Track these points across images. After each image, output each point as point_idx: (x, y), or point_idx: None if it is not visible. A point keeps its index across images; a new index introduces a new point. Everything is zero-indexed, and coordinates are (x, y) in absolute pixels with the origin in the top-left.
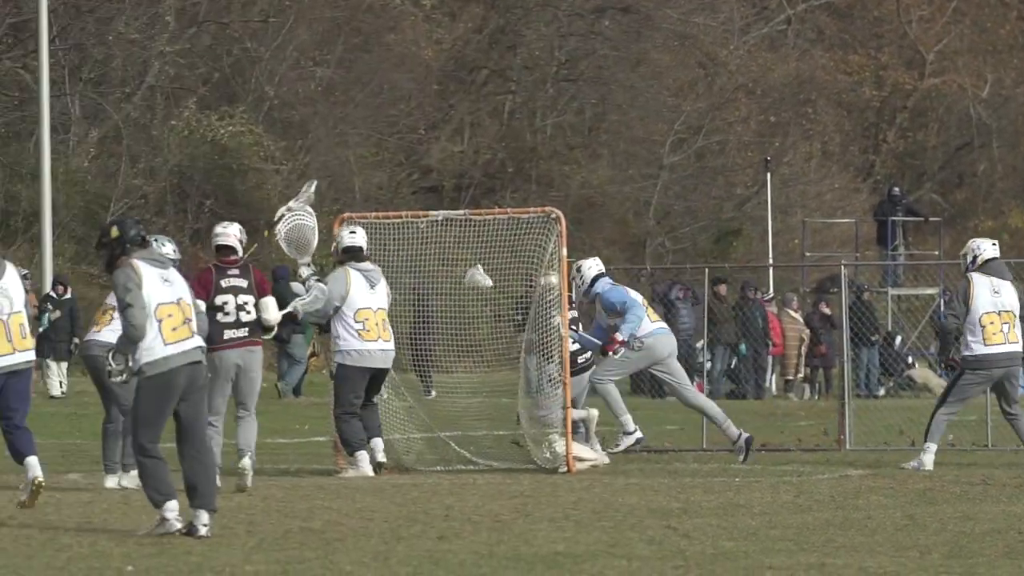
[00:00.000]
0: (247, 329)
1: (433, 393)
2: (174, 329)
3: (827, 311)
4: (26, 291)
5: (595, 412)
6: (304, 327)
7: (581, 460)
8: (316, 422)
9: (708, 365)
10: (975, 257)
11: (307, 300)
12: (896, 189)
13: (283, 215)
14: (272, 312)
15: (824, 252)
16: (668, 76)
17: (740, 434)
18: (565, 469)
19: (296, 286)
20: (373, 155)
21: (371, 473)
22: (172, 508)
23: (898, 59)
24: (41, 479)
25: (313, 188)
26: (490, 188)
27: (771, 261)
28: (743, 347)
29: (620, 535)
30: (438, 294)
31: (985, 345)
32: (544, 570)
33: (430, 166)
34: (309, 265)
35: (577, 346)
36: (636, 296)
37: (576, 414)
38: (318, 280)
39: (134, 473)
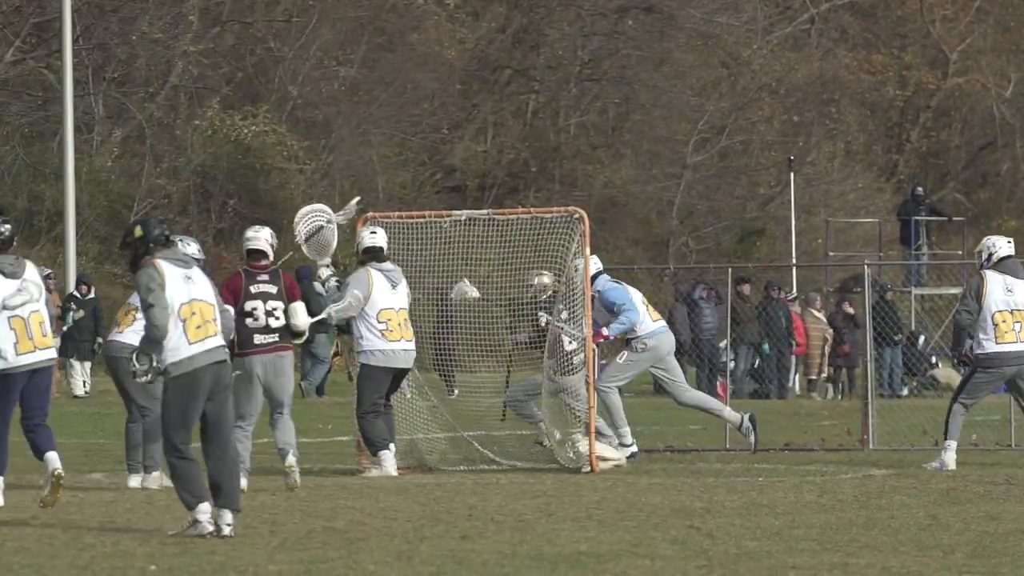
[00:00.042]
0: (277, 334)
1: (456, 392)
2: (198, 327)
3: (850, 311)
4: (49, 291)
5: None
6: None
7: (604, 460)
8: (339, 422)
9: (731, 365)
10: (990, 255)
11: (341, 306)
12: (919, 189)
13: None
14: (301, 318)
15: (847, 252)
16: (691, 76)
17: (742, 417)
18: (588, 469)
19: (316, 286)
20: (396, 155)
21: (395, 473)
22: (204, 510)
23: (921, 58)
24: (60, 470)
25: (356, 203)
26: (513, 188)
27: (794, 261)
28: (766, 347)
29: (643, 535)
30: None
31: (996, 343)
32: (567, 570)
33: (453, 166)
34: (329, 266)
35: (574, 345)
36: (636, 295)
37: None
38: (338, 281)
39: (156, 474)
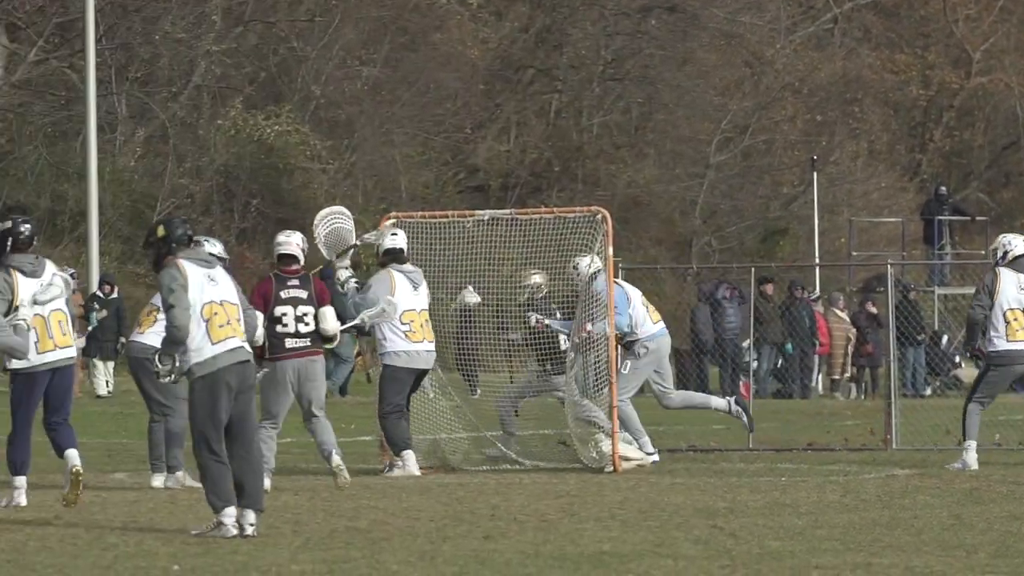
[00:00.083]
0: (308, 339)
1: (478, 392)
2: (220, 327)
3: (873, 310)
4: (73, 290)
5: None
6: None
7: (627, 460)
8: (362, 421)
9: (754, 364)
10: (1006, 252)
11: (374, 311)
12: (943, 188)
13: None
14: (331, 322)
15: (870, 251)
16: (714, 75)
17: (728, 402)
18: (611, 469)
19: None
20: (419, 154)
21: (417, 472)
22: (230, 514)
23: (945, 58)
24: (78, 467)
25: (390, 225)
26: (536, 187)
27: (817, 260)
28: (789, 346)
29: (666, 534)
30: (484, 293)
31: (1008, 341)
32: (590, 570)
33: (476, 165)
34: (347, 268)
35: (566, 346)
36: (636, 297)
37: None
38: (357, 283)
39: (179, 474)
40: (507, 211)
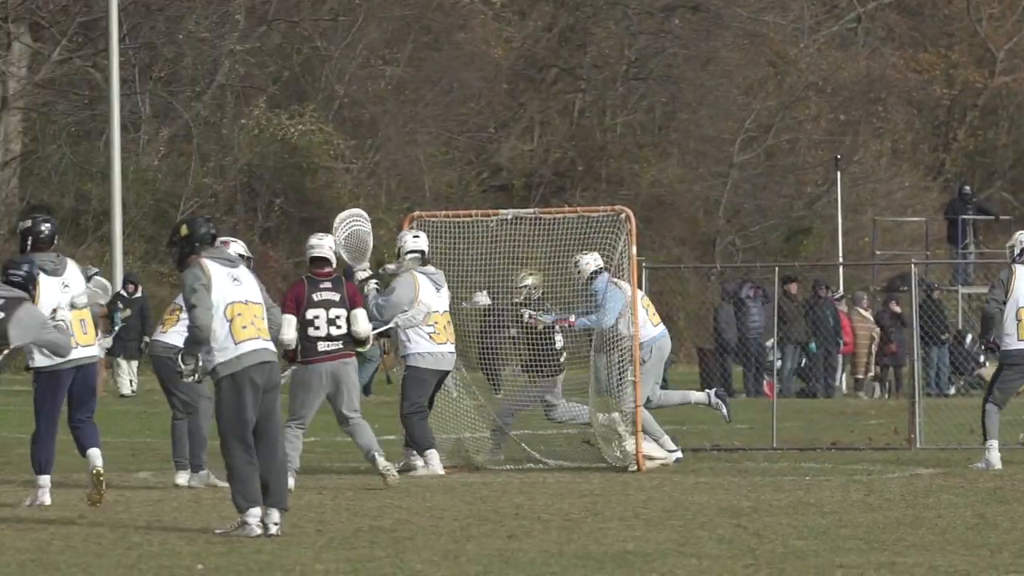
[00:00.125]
0: (340, 342)
1: (501, 392)
2: (244, 328)
3: (897, 310)
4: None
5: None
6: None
7: (651, 459)
8: (386, 421)
9: (778, 364)
10: (1022, 250)
11: (408, 315)
12: (966, 187)
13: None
14: (363, 324)
15: (894, 250)
16: (738, 74)
17: (708, 394)
18: (635, 468)
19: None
20: (443, 154)
21: (441, 471)
22: (255, 514)
23: (968, 57)
24: (100, 468)
25: (483, 296)
26: (560, 187)
27: (841, 259)
28: (813, 345)
29: (690, 534)
30: (508, 292)
31: (1019, 340)
32: (614, 569)
33: (500, 165)
34: (366, 270)
35: (560, 345)
36: (636, 298)
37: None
38: (377, 285)
39: (203, 473)
40: (530, 210)
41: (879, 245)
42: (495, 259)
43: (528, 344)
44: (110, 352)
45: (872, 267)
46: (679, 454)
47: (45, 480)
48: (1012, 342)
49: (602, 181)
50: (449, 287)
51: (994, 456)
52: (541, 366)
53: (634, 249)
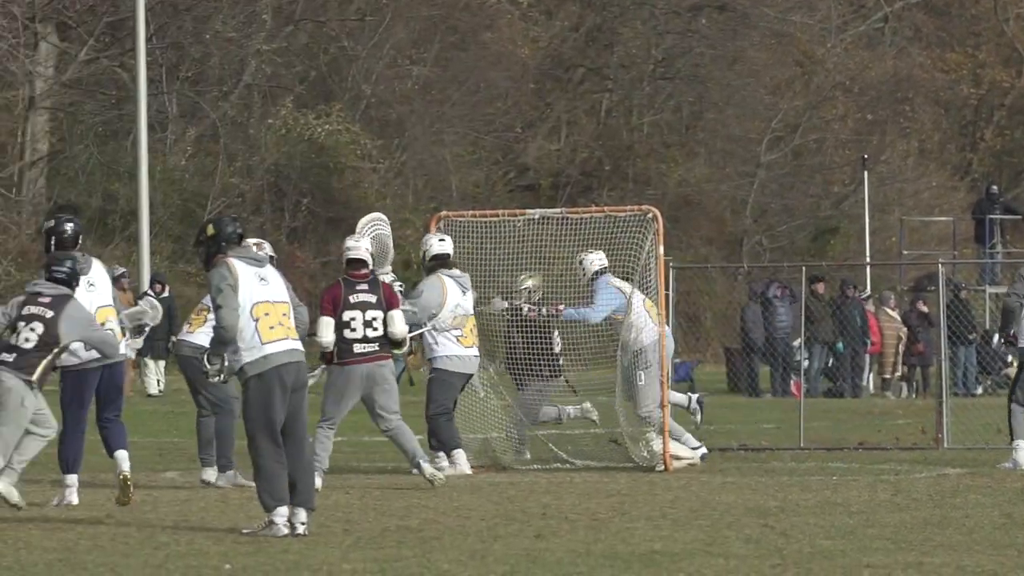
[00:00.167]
0: (376, 344)
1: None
2: (271, 328)
3: (924, 309)
4: (123, 290)
5: (588, 405)
6: None
7: (678, 459)
8: (412, 420)
9: (805, 363)
10: None
11: (443, 317)
12: (994, 187)
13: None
14: (399, 326)
15: (921, 250)
16: (765, 74)
17: (689, 397)
18: (662, 467)
19: None
20: (470, 153)
21: (469, 471)
22: (282, 514)
23: (995, 57)
24: (126, 473)
25: (502, 306)
26: (587, 186)
27: (868, 259)
28: (840, 345)
29: (717, 533)
30: (537, 292)
31: None
32: (641, 568)
33: (527, 164)
34: (389, 273)
35: (558, 348)
36: (637, 300)
37: (571, 411)
38: (401, 287)
39: (230, 473)
40: (558, 210)
41: (906, 245)
42: (522, 259)
43: (527, 347)
44: (139, 352)
45: (899, 267)
46: (704, 450)
47: (72, 479)
48: None
49: (629, 181)
50: (477, 287)
51: (1021, 456)
52: (541, 367)
53: (661, 249)
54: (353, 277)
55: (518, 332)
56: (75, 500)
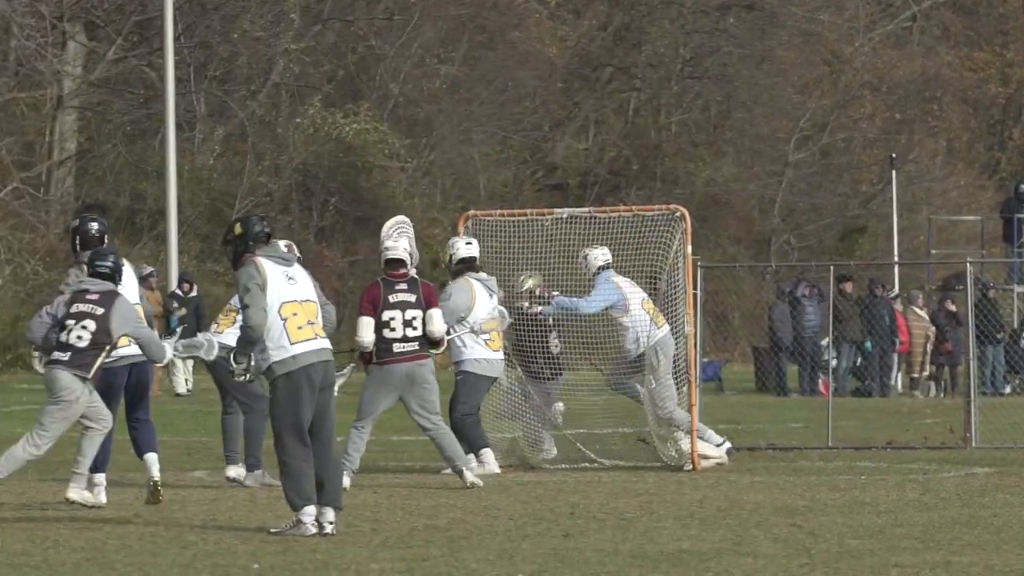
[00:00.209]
0: (416, 343)
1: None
2: (299, 328)
3: (953, 308)
4: (151, 289)
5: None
6: None
7: (706, 458)
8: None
9: (833, 363)
10: None
11: (481, 321)
12: (1022, 186)
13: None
14: (438, 324)
15: (950, 249)
16: (793, 73)
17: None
18: (690, 467)
19: None
20: (498, 152)
21: (497, 470)
22: (309, 513)
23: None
24: (157, 478)
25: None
26: (615, 185)
27: (896, 258)
28: (868, 344)
29: (745, 533)
30: (563, 291)
31: None
32: (669, 568)
33: (555, 163)
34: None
35: (556, 350)
36: (635, 298)
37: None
38: None
39: (258, 472)
40: (586, 209)
41: (934, 244)
42: (550, 258)
43: (529, 348)
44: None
45: (927, 266)
46: (728, 444)
47: (100, 479)
48: None
49: (657, 180)
50: (504, 287)
51: None
52: (540, 368)
53: (689, 248)
54: (392, 277)
55: (516, 334)
56: (103, 499)
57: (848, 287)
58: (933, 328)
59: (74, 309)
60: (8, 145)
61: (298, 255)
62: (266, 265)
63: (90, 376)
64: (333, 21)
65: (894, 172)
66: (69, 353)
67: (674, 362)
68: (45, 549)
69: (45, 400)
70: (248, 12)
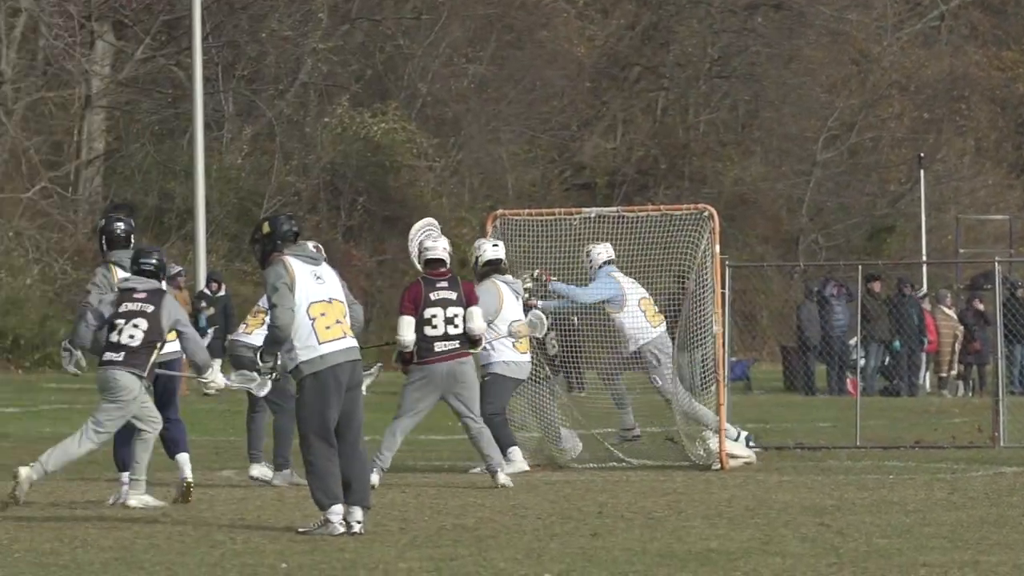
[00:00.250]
0: (457, 341)
1: (585, 390)
2: (327, 328)
3: (981, 307)
4: (179, 288)
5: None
6: None
7: (734, 457)
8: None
9: (862, 362)
10: None
11: (519, 325)
12: None
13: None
14: (478, 322)
15: (978, 248)
16: (821, 73)
17: (739, 433)
18: (718, 466)
19: None
20: (526, 152)
21: (526, 467)
22: (337, 512)
23: None
24: (190, 479)
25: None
26: (643, 185)
27: (925, 258)
28: (897, 344)
29: (773, 532)
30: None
31: None
32: (697, 567)
33: (583, 163)
34: None
35: (556, 350)
36: (633, 295)
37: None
38: None
39: (286, 472)
40: (614, 209)
41: (962, 243)
42: (578, 258)
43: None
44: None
45: (956, 265)
46: (745, 433)
47: (125, 477)
48: None
49: (685, 179)
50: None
51: None
52: (539, 369)
53: (717, 247)
54: (432, 275)
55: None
56: (130, 500)
57: (876, 286)
58: (961, 327)
59: (123, 308)
60: (36, 144)
61: (325, 256)
62: (294, 264)
63: (145, 375)
64: (361, 20)
65: (922, 171)
66: (123, 353)
67: (702, 362)
68: (73, 548)
69: (100, 399)
70: (276, 11)
